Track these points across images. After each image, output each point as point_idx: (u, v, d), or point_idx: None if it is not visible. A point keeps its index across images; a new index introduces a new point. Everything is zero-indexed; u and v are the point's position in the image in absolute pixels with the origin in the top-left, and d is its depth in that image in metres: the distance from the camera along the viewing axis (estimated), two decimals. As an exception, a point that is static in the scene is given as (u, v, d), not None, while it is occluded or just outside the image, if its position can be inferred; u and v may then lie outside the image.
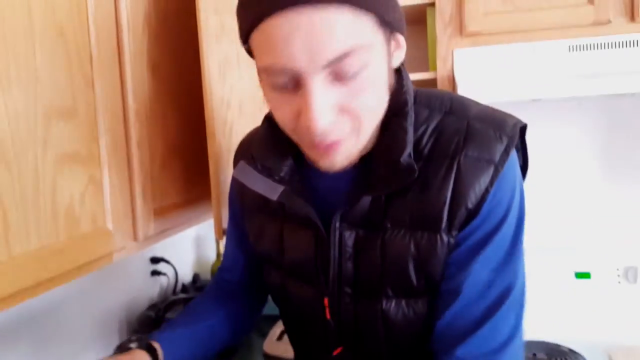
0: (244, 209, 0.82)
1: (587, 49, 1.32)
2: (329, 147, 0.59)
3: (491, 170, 0.61)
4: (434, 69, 1.37)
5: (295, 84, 0.55)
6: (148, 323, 1.33)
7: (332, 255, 0.67)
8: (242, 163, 0.71)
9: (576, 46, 1.32)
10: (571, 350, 1.31)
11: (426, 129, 0.65)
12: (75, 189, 0.80)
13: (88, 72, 0.82)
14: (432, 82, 1.38)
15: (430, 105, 0.66)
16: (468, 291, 0.63)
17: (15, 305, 0.70)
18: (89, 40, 0.82)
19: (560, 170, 1.60)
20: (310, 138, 0.58)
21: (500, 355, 0.62)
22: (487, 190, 0.61)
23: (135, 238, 0.97)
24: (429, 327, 0.66)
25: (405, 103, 0.63)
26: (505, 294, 0.63)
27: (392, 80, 0.63)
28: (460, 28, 1.34)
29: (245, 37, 0.56)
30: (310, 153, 0.62)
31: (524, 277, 0.66)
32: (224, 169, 1.09)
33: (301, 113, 0.55)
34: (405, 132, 0.62)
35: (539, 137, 1.58)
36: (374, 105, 0.59)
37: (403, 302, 0.66)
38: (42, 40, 0.72)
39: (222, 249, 1.77)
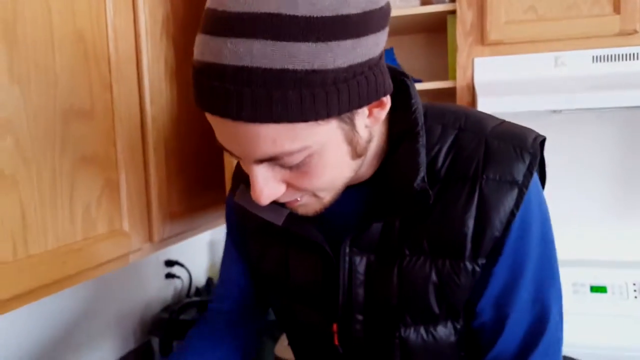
0: (245, 230, 0.78)
1: (611, 60, 1.29)
2: (287, 203, 0.58)
3: (515, 193, 0.58)
4: (454, 77, 1.36)
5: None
6: (162, 325, 1.34)
7: (342, 281, 0.64)
8: (243, 187, 0.68)
9: (601, 56, 1.29)
10: (584, 364, 1.28)
11: (441, 148, 0.61)
12: (93, 191, 0.81)
13: (106, 76, 0.83)
14: (451, 91, 1.36)
15: (443, 122, 0.62)
16: (513, 317, 0.61)
17: (32, 303, 0.71)
18: (108, 45, 0.84)
19: (576, 183, 1.57)
20: None
21: None
22: (512, 214, 0.58)
23: (150, 240, 0.98)
24: (447, 349, 0.64)
25: (416, 123, 0.59)
26: (546, 312, 0.61)
27: (366, 142, 0.56)
28: (481, 36, 1.33)
29: None
30: None
31: (560, 293, 0.64)
32: (239, 174, 1.09)
33: (251, 184, 0.53)
34: (417, 154, 0.58)
35: (557, 149, 1.55)
36: (327, 182, 0.54)
37: (422, 329, 0.64)
38: (62, 44, 0.74)
39: (237, 253, 1.79)
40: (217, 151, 1.20)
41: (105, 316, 1.31)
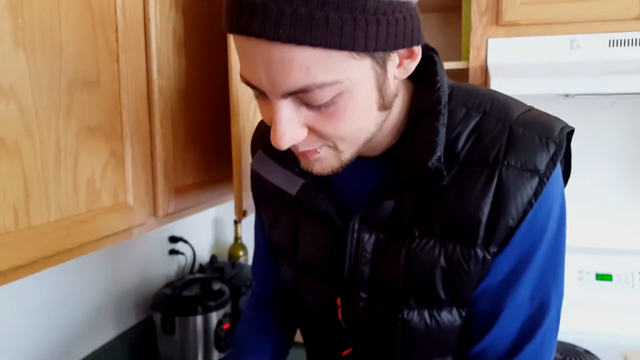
0: (260, 197, 0.79)
1: (629, 45, 1.26)
2: (304, 154, 0.56)
3: (535, 182, 0.56)
4: (467, 58, 1.33)
5: (266, 96, 0.51)
6: (164, 300, 1.34)
7: (348, 257, 0.64)
8: (260, 153, 0.67)
9: (617, 41, 1.26)
10: (587, 351, 1.28)
11: (462, 131, 0.59)
12: (97, 162, 0.79)
13: (113, 45, 0.81)
14: (464, 72, 1.34)
15: (467, 104, 0.60)
16: (508, 311, 0.60)
17: (33, 274, 0.70)
18: (115, 13, 0.81)
19: (585, 170, 1.54)
20: None
21: None
22: (530, 204, 0.56)
23: (155, 214, 0.96)
24: (450, 334, 0.63)
25: (439, 101, 0.58)
26: (543, 311, 0.60)
27: (393, 94, 0.56)
28: (496, 17, 1.29)
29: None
30: (292, 150, 0.58)
31: (562, 294, 0.62)
32: (246, 151, 1.08)
33: (272, 126, 0.51)
34: (436, 132, 0.56)
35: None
36: (351, 129, 0.52)
37: (426, 313, 0.62)
38: (68, 11, 0.71)
39: (240, 233, 1.79)
40: (225, 126, 1.18)
41: (107, 290, 1.31)
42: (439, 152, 0.56)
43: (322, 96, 0.48)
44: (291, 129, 0.50)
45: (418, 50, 0.53)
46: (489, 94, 0.62)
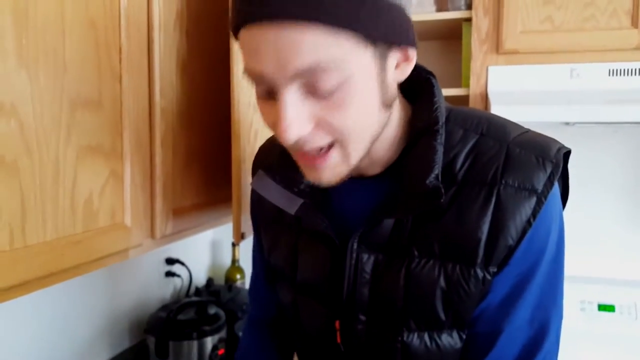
0: (260, 218, 0.78)
1: (628, 74, 1.27)
2: (313, 160, 0.55)
3: (533, 202, 0.56)
4: (467, 85, 1.34)
5: (272, 94, 0.52)
6: (159, 324, 1.32)
7: (347, 278, 0.63)
8: (260, 173, 0.68)
9: (617, 70, 1.27)
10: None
11: (460, 151, 0.59)
12: (96, 182, 0.79)
13: (116, 66, 0.82)
14: (464, 99, 1.34)
15: (465, 126, 0.61)
16: (507, 334, 0.59)
17: (27, 295, 0.69)
18: (120, 34, 0.82)
19: (587, 199, 1.54)
20: (292, 148, 0.55)
21: None
22: (529, 223, 0.56)
23: (152, 236, 0.96)
24: (451, 358, 0.62)
25: (436, 121, 0.59)
26: (543, 334, 0.59)
27: (393, 95, 0.57)
28: (496, 45, 1.31)
29: (235, 35, 0.54)
30: (299, 164, 0.58)
31: (561, 316, 0.61)
32: (246, 173, 1.07)
33: (277, 123, 0.52)
34: (434, 151, 0.57)
35: (569, 163, 1.52)
36: (356, 122, 0.53)
37: (426, 335, 0.61)
38: (72, 31, 0.72)
39: (238, 255, 1.77)
40: (225, 148, 1.18)
41: (102, 312, 1.29)
42: (437, 170, 0.56)
43: (328, 81, 0.49)
44: (298, 119, 0.50)
45: (413, 53, 0.55)
46: (486, 116, 0.63)
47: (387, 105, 0.56)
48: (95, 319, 1.26)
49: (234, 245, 1.78)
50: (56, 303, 1.13)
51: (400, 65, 0.55)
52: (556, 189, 0.59)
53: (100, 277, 1.27)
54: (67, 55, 0.71)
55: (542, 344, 0.59)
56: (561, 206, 0.61)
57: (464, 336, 0.62)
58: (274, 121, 0.53)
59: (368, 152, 0.57)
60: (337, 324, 0.66)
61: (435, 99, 0.60)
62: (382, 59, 0.52)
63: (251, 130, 1.11)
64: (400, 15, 0.51)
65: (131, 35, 0.85)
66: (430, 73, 0.63)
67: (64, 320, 1.16)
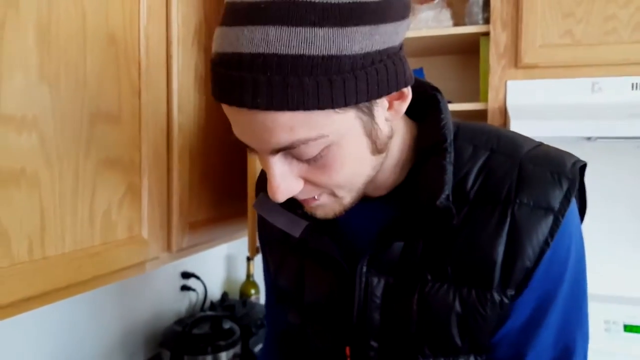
0: (266, 241, 0.77)
1: (651, 88, 1.24)
2: (305, 202, 0.55)
3: (550, 220, 0.53)
4: (485, 99, 1.33)
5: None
6: (174, 338, 1.31)
7: (357, 303, 0.61)
8: (262, 195, 0.66)
9: (640, 84, 1.25)
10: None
11: (471, 169, 0.57)
12: (114, 195, 0.79)
13: (135, 81, 0.83)
14: (483, 113, 1.33)
15: (474, 142, 0.59)
16: (531, 358, 0.57)
17: (45, 306, 0.69)
18: (139, 50, 0.83)
19: (611, 215, 1.50)
20: None
21: None
22: (546, 244, 0.53)
23: (169, 249, 0.96)
24: None
25: (444, 139, 0.57)
26: (568, 357, 0.57)
27: (387, 137, 0.54)
28: (515, 59, 1.30)
29: None
30: None
31: (587, 338, 0.59)
32: (262, 187, 1.08)
33: (268, 181, 0.51)
34: (443, 171, 0.55)
35: (590, 178, 1.49)
36: (346, 177, 0.52)
37: None
38: (93, 46, 0.73)
39: (252, 270, 1.76)
40: (241, 163, 1.19)
41: (118, 325, 1.29)
42: (447, 190, 0.54)
43: (309, 151, 0.48)
44: (286, 182, 0.50)
45: (408, 91, 0.52)
46: (495, 131, 0.61)
47: (381, 150, 0.54)
48: (111, 332, 1.26)
49: (248, 259, 1.77)
50: (72, 315, 1.14)
51: (393, 105, 0.52)
52: (574, 205, 0.56)
53: (116, 291, 1.28)
54: (87, 70, 0.72)
55: None
56: (579, 223, 0.58)
57: None
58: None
59: (370, 182, 0.56)
60: (347, 350, 0.64)
61: (442, 116, 0.58)
62: (369, 113, 0.49)
63: (268, 144, 1.11)
64: (385, 67, 0.48)
65: (150, 50, 0.86)
66: (436, 89, 0.61)
67: (80, 333, 1.16)
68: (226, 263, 1.88)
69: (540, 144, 0.60)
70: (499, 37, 1.31)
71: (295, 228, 0.62)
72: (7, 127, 0.61)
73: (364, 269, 0.60)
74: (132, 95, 0.82)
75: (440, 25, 1.38)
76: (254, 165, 1.05)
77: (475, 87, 1.46)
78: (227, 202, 1.17)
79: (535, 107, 1.27)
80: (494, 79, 1.31)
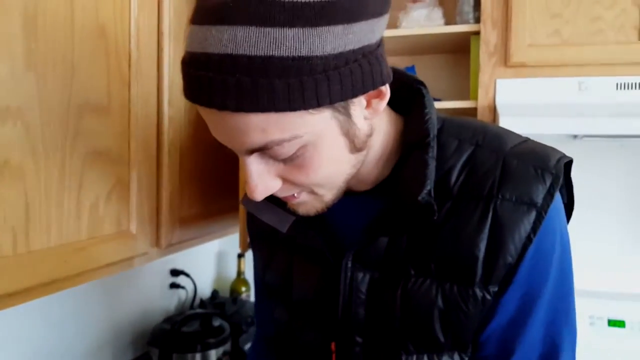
0: (254, 235, 0.77)
1: (636, 88, 1.26)
2: (285, 199, 0.55)
3: (533, 216, 0.53)
4: (475, 98, 1.34)
5: None
6: (163, 336, 1.30)
7: (342, 298, 0.61)
8: None
9: (625, 84, 1.26)
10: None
11: (455, 163, 0.57)
12: (102, 188, 0.78)
13: (125, 73, 0.82)
14: (473, 111, 1.34)
15: (460, 136, 0.58)
16: (519, 355, 0.56)
17: (29, 302, 0.68)
18: (129, 42, 0.83)
19: (594, 212, 1.52)
20: None
21: None
22: (529, 240, 0.53)
23: (158, 245, 0.95)
24: None
25: (427, 133, 0.56)
26: (556, 352, 0.57)
27: (366, 135, 0.53)
28: (504, 58, 1.31)
29: None
30: None
31: (575, 333, 0.59)
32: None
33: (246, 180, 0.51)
34: (425, 165, 0.55)
35: (575, 175, 1.51)
36: (324, 176, 0.51)
37: (426, 358, 0.58)
38: (82, 37, 0.72)
39: (243, 267, 1.75)
40: (232, 158, 1.18)
41: (105, 323, 1.27)
42: (429, 185, 0.54)
43: (284, 151, 0.47)
44: (263, 181, 0.50)
45: (386, 89, 0.51)
46: (482, 126, 0.60)
47: (360, 149, 0.53)
48: (98, 330, 1.25)
49: (239, 257, 1.76)
50: (58, 312, 1.12)
51: (371, 104, 0.51)
52: (558, 201, 0.56)
53: (103, 288, 1.26)
54: (75, 61, 0.71)
55: None
56: (564, 219, 0.58)
57: (466, 358, 0.59)
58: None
59: (353, 177, 0.55)
60: (332, 345, 0.63)
61: (426, 110, 0.58)
62: (345, 113, 0.48)
63: (258, 140, 1.10)
64: (360, 66, 0.46)
65: (141, 42, 0.85)
66: (421, 83, 0.61)
67: (66, 330, 1.15)
68: (217, 260, 1.87)
69: (527, 140, 0.59)
70: (489, 36, 1.32)
71: (282, 223, 0.62)
72: (-8, 117, 0.60)
73: (349, 264, 0.60)
74: (121, 87, 0.81)
75: (431, 24, 1.39)
76: (244, 161, 1.05)
77: (466, 85, 1.47)
78: (218, 198, 1.17)
79: (524, 105, 1.29)
80: (483, 78, 1.32)
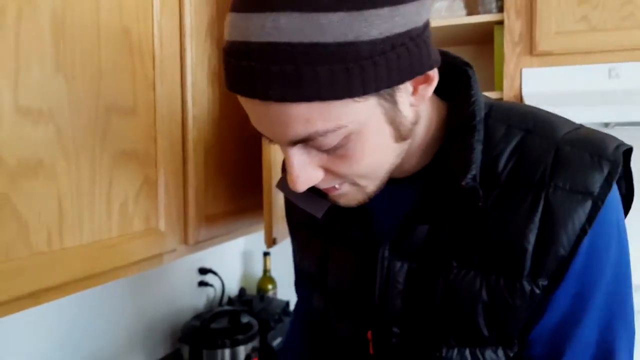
0: (291, 221, 0.77)
1: (670, 73, 1.22)
2: (327, 191, 0.54)
3: (588, 206, 0.49)
4: (500, 88, 1.32)
5: None
6: (192, 332, 1.32)
7: (378, 287, 0.59)
8: (284, 175, 0.65)
9: (658, 69, 1.22)
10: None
11: (503, 150, 0.54)
12: (131, 187, 0.80)
13: (150, 73, 0.83)
14: (497, 102, 1.32)
15: (508, 122, 0.55)
16: (569, 357, 0.53)
17: (63, 297, 0.70)
18: (153, 42, 0.84)
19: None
20: None
21: None
22: (583, 231, 0.50)
23: (185, 242, 0.96)
24: None
25: (473, 116, 0.53)
26: (611, 355, 0.53)
27: (412, 122, 0.51)
28: (530, 47, 1.28)
29: None
30: None
31: (633, 333, 0.55)
32: (277, 178, 1.08)
33: (288, 171, 0.50)
34: (470, 150, 0.52)
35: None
36: (367, 166, 0.50)
37: (467, 352, 0.56)
38: (107, 38, 0.74)
39: (269, 265, 1.77)
40: (257, 155, 1.19)
41: (136, 321, 1.30)
42: (474, 170, 0.51)
43: (328, 142, 0.46)
44: (305, 173, 0.49)
45: (434, 74, 0.49)
46: (532, 111, 0.57)
47: (405, 137, 0.51)
48: (130, 327, 1.28)
49: (265, 255, 1.78)
50: (91, 309, 1.15)
51: (418, 90, 0.49)
52: (615, 191, 0.52)
53: (134, 286, 1.29)
54: (102, 62, 0.73)
55: None
56: (622, 211, 0.54)
57: (511, 354, 0.56)
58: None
59: (391, 171, 0.54)
60: (369, 334, 0.62)
61: (472, 92, 0.55)
62: (391, 100, 0.47)
63: (282, 137, 1.11)
64: (408, 50, 0.44)
65: (164, 43, 0.86)
66: (467, 64, 0.58)
67: (97, 327, 1.18)
68: (243, 258, 1.89)
69: (581, 127, 0.56)
70: (513, 25, 1.29)
71: (317, 209, 0.60)
72: (24, 119, 0.62)
73: (386, 253, 0.58)
74: (146, 88, 0.83)
75: (453, 15, 1.37)
76: (269, 158, 1.05)
77: (490, 76, 1.45)
78: (243, 195, 1.18)
79: (551, 94, 1.26)
80: (508, 67, 1.30)
